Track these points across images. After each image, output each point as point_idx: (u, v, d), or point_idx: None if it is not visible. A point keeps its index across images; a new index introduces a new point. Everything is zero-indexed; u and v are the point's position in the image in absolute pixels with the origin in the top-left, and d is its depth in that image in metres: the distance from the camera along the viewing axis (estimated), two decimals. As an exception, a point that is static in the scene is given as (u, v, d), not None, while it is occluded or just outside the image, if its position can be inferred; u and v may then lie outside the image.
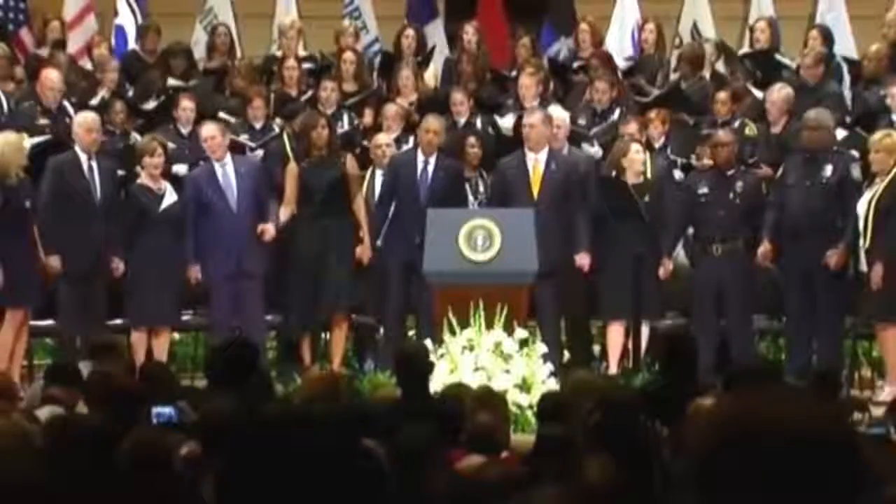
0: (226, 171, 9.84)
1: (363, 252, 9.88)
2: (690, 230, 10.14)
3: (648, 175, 9.85)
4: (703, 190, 9.79)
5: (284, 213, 9.93)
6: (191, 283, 9.73)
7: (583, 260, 9.71)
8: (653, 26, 12.00)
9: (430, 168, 9.98)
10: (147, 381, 6.35)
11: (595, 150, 10.41)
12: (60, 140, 10.03)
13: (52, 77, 10.60)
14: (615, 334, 9.73)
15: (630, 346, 9.68)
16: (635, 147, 9.83)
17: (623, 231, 9.66)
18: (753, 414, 2.07)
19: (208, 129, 9.97)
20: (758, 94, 10.94)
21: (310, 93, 11.27)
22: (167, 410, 5.60)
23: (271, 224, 9.81)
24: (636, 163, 9.77)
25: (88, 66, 12.09)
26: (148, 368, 7.53)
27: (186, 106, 10.61)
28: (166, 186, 9.76)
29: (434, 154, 10.00)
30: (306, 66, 11.74)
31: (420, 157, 10.02)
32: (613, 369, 9.63)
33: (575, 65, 11.80)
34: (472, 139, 10.09)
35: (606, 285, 9.75)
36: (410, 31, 11.95)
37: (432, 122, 10.11)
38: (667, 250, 9.78)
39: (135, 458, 4.39)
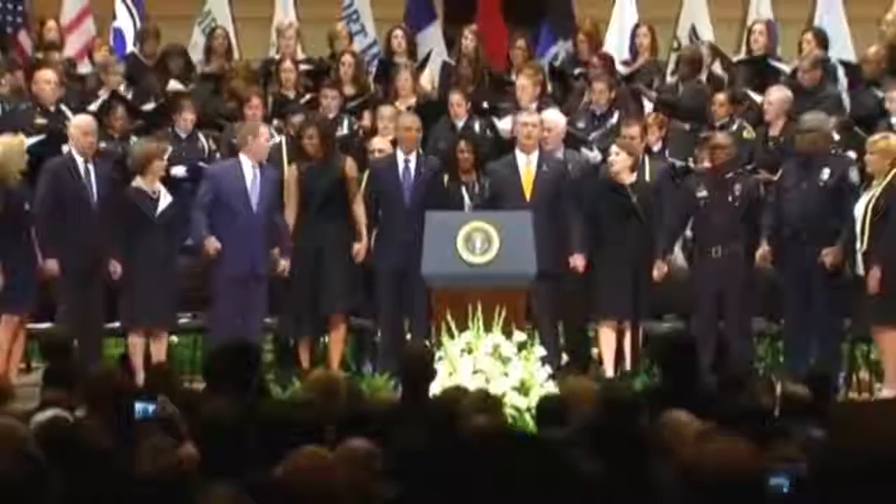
0: (254, 173, 9.73)
1: (360, 250, 9.87)
2: (689, 233, 10.14)
3: (647, 178, 9.84)
4: (702, 193, 9.78)
5: (289, 218, 9.90)
6: (210, 254, 9.54)
7: (576, 261, 9.71)
8: (646, 30, 11.96)
9: (412, 167, 9.98)
10: (154, 381, 6.33)
11: (594, 155, 10.40)
12: (56, 134, 10.01)
13: (46, 75, 10.61)
14: (606, 336, 9.72)
15: (627, 348, 9.67)
16: (614, 148, 9.82)
17: (619, 233, 9.66)
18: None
19: (265, 130, 9.96)
20: (756, 98, 10.93)
21: (308, 95, 11.25)
22: (148, 406, 5.61)
23: (286, 260, 9.75)
24: (615, 164, 9.73)
25: (87, 69, 12.08)
26: (155, 368, 7.52)
27: (187, 117, 10.61)
28: (161, 189, 9.72)
29: (413, 153, 10.01)
30: (304, 68, 11.73)
31: (400, 158, 10.01)
32: (609, 372, 9.62)
33: (576, 71, 11.79)
34: (462, 144, 10.10)
35: (597, 287, 9.74)
36: (399, 32, 11.92)
37: (411, 120, 10.14)
38: (661, 252, 9.76)
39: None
